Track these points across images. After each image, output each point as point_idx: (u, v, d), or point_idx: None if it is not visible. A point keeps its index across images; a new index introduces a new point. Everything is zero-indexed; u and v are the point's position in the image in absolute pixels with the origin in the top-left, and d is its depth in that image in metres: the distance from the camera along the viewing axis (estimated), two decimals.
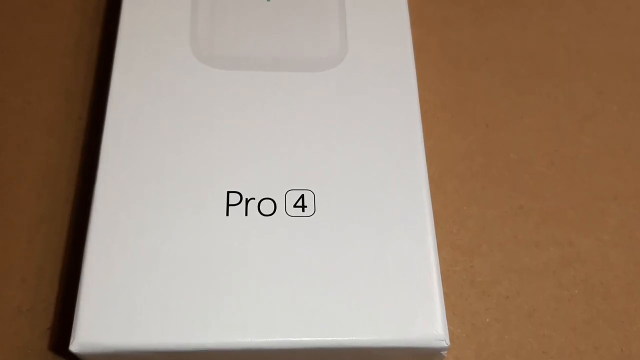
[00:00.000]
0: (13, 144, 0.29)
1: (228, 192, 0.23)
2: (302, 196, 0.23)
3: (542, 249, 0.29)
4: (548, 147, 0.31)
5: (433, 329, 0.21)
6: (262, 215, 0.23)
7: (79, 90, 0.31)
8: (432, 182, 0.29)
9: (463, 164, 0.31)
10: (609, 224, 0.30)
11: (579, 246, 0.29)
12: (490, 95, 0.33)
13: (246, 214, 0.23)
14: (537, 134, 0.32)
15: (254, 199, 0.23)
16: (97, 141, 0.25)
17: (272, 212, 0.23)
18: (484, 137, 0.31)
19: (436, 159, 0.30)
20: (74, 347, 0.21)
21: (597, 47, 0.34)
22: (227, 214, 0.22)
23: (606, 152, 0.31)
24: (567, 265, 0.28)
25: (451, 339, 0.27)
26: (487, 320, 0.27)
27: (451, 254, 0.28)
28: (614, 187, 0.30)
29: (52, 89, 0.31)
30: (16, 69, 0.31)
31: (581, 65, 0.34)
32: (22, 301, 0.26)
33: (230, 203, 0.23)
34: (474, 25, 0.34)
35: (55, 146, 0.29)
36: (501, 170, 0.31)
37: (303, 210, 0.23)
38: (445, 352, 0.22)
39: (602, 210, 0.30)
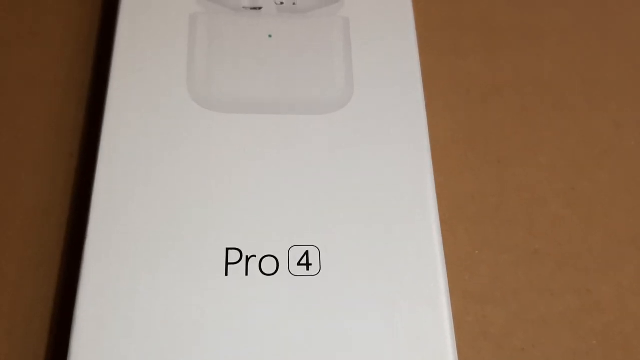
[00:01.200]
0: None
1: (227, 249, 0.21)
2: (307, 253, 0.21)
3: (558, 296, 0.27)
4: (563, 185, 0.30)
5: None
6: (263, 275, 0.21)
7: (70, 125, 0.29)
8: (443, 223, 0.28)
9: (474, 204, 0.29)
10: (629, 269, 0.28)
11: (597, 294, 0.28)
12: (502, 129, 0.31)
13: (246, 274, 0.21)
14: (552, 171, 0.30)
15: (254, 256, 0.21)
16: (89, 181, 0.24)
17: (274, 271, 0.21)
18: (496, 174, 0.30)
19: (446, 199, 0.29)
20: None
21: (614, 77, 0.33)
22: (226, 274, 0.21)
23: (624, 190, 0.30)
24: (585, 314, 0.27)
25: None
26: None
27: (463, 303, 0.27)
28: (633, 229, 0.29)
29: (41, 123, 0.29)
30: (2, 100, 0.30)
31: (597, 97, 0.32)
32: (9, 356, 0.25)
33: (229, 261, 0.21)
34: (484, 53, 0.33)
35: (44, 187, 0.28)
36: (515, 211, 0.29)
37: (307, 269, 0.21)
38: None
39: (621, 254, 0.28)
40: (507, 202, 0.29)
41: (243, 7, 0.26)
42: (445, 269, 0.23)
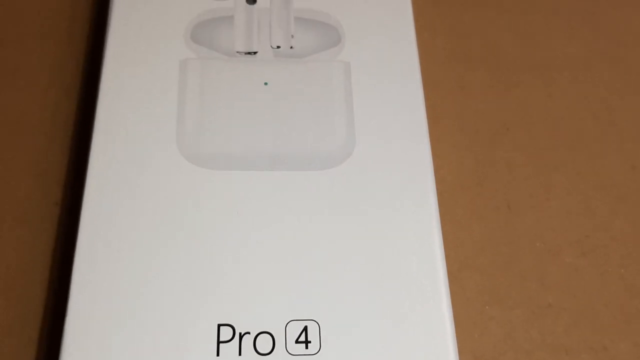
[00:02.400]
0: None
1: (219, 326, 0.19)
2: (305, 329, 0.20)
3: (574, 355, 0.26)
4: (578, 233, 0.28)
5: None
6: (258, 355, 0.19)
7: (54, 173, 0.27)
8: (451, 276, 0.26)
9: (484, 255, 0.27)
10: None
11: (615, 351, 0.26)
12: (513, 172, 0.29)
13: (240, 353, 0.19)
14: (565, 218, 0.28)
15: (248, 333, 0.19)
16: (73, 235, 0.22)
17: (270, 350, 0.19)
18: (507, 222, 0.28)
19: (454, 250, 0.27)
20: None
21: (630, 116, 0.31)
22: (218, 354, 0.19)
23: None
24: None
25: None
26: None
27: None
28: None
29: (23, 171, 0.27)
30: None
31: (612, 137, 0.30)
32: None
33: (220, 339, 0.19)
34: (492, 91, 0.31)
35: (27, 238, 0.26)
36: (526, 262, 0.27)
37: (307, 347, 0.19)
38: None
39: (639, 309, 0.27)
40: (519, 253, 0.27)
41: (237, 52, 0.24)
42: (454, 333, 0.21)
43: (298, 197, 0.22)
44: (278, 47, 0.24)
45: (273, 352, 0.19)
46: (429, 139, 0.24)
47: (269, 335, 0.19)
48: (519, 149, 0.30)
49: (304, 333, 0.19)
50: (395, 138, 0.23)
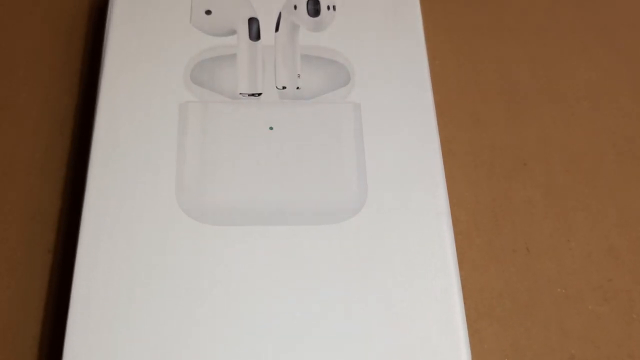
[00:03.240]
0: None
1: None
2: None
3: None
4: (600, 277, 0.26)
5: None
6: None
7: (47, 217, 0.26)
8: (469, 326, 0.24)
9: (503, 302, 0.26)
10: None
11: None
12: (530, 210, 0.28)
13: None
14: (586, 260, 0.27)
15: None
16: (68, 281, 0.20)
17: None
18: (526, 266, 0.26)
19: (472, 297, 0.25)
20: None
21: None
22: None
23: None
24: None
25: None
26: None
27: None
28: None
29: (15, 214, 0.26)
30: None
31: (635, 169, 0.29)
32: None
33: None
34: (508, 123, 0.29)
35: (19, 288, 0.24)
36: (547, 310, 0.26)
37: None
38: None
39: None
40: (539, 299, 0.26)
41: (240, 94, 0.23)
42: None
43: (306, 254, 0.20)
44: (284, 87, 0.23)
45: None
46: (446, 188, 0.22)
47: None
48: (537, 185, 0.28)
49: None
50: (410, 186, 0.21)
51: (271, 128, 0.22)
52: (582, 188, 0.28)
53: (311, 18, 0.24)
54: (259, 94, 0.23)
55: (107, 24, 0.24)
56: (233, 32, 0.24)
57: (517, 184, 0.28)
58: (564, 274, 0.26)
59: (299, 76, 0.23)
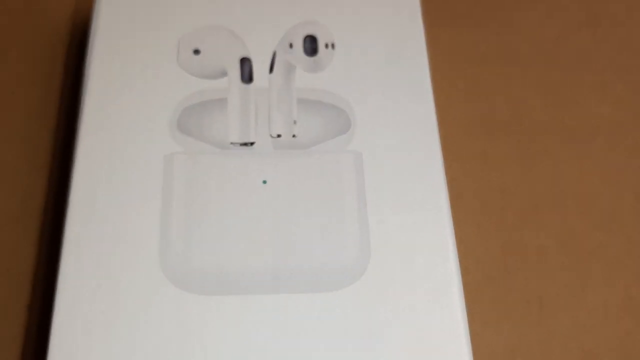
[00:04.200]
0: None
1: None
2: None
3: None
4: (618, 332, 0.24)
5: None
6: None
7: (23, 273, 0.24)
8: None
9: None
10: None
11: None
12: (544, 259, 0.26)
13: None
14: (603, 314, 0.25)
15: None
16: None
17: None
18: (539, 321, 0.24)
19: (483, 357, 0.24)
20: None
21: None
22: None
23: None
24: None
25: None
26: None
27: None
28: None
29: None
30: None
31: None
32: None
33: None
34: (518, 163, 0.27)
35: None
36: None
37: None
38: None
39: None
40: (553, 358, 0.24)
41: (231, 143, 0.21)
42: None
43: (304, 325, 0.18)
44: (278, 135, 0.21)
45: None
46: (456, 250, 0.20)
47: None
48: (550, 232, 0.26)
49: None
50: (417, 248, 0.19)
51: (264, 182, 0.20)
52: (598, 234, 0.26)
53: (308, 57, 0.22)
54: (252, 143, 0.21)
55: (86, 64, 0.22)
56: (223, 73, 0.22)
57: (529, 231, 0.26)
58: (579, 330, 0.24)
59: (295, 123, 0.21)
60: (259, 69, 0.22)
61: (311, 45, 0.22)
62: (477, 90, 0.29)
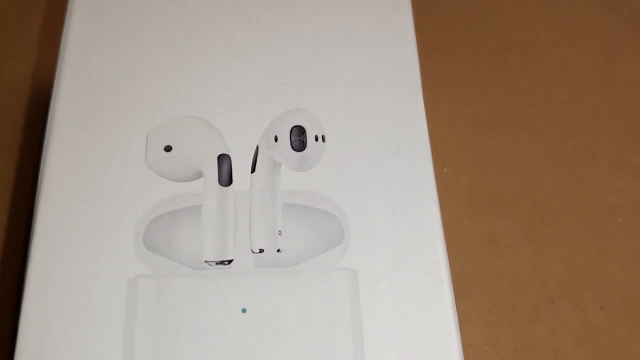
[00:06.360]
0: None
1: None
2: None
3: None
4: None
5: None
6: None
7: None
8: None
9: None
10: None
11: None
12: (561, 358, 0.22)
13: None
14: None
15: None
16: None
17: None
18: None
19: None
20: None
21: None
22: None
23: None
24: None
25: None
26: None
27: None
28: None
29: None
30: None
31: None
32: None
33: None
34: (530, 247, 0.24)
35: None
36: None
37: None
38: None
39: None
40: None
41: (205, 262, 0.17)
42: None
43: None
44: (261, 251, 0.18)
45: None
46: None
47: None
48: (567, 327, 0.23)
49: None
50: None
51: (244, 310, 0.17)
52: (619, 330, 0.23)
53: (295, 152, 0.19)
54: (229, 262, 0.17)
55: (41, 165, 0.18)
56: (199, 174, 0.18)
57: (544, 326, 0.23)
58: None
59: (280, 234, 0.18)
60: (240, 168, 0.19)
61: (299, 137, 0.19)
62: (482, 162, 0.26)
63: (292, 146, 0.19)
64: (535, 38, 0.28)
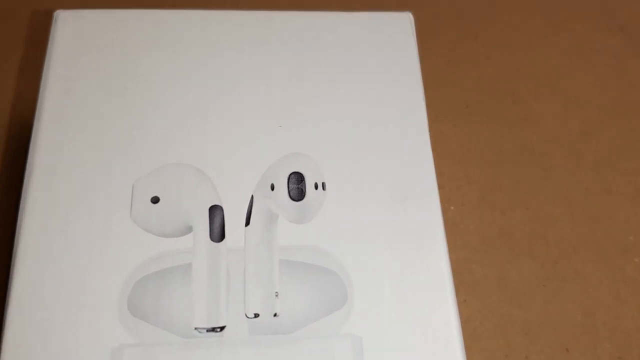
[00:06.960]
0: None
1: None
2: None
3: None
4: None
5: None
6: None
7: None
8: None
9: None
10: None
11: None
12: None
13: None
14: None
15: None
16: None
17: None
18: None
19: None
20: None
21: None
22: None
23: None
24: None
25: None
26: None
27: None
28: None
29: None
30: None
31: None
32: None
33: None
34: (542, 292, 0.22)
35: None
36: None
37: None
38: None
39: None
40: None
41: (195, 329, 0.16)
42: None
43: None
44: (256, 315, 0.16)
45: None
46: None
47: None
48: None
49: None
50: None
51: None
52: None
53: (293, 202, 0.17)
54: (222, 328, 0.16)
55: (19, 219, 0.17)
56: (188, 229, 0.17)
57: None
58: None
59: (276, 295, 0.16)
60: (233, 219, 0.17)
61: (297, 185, 0.17)
62: (492, 200, 0.24)
63: (289, 195, 0.17)
64: (544, 65, 0.27)
